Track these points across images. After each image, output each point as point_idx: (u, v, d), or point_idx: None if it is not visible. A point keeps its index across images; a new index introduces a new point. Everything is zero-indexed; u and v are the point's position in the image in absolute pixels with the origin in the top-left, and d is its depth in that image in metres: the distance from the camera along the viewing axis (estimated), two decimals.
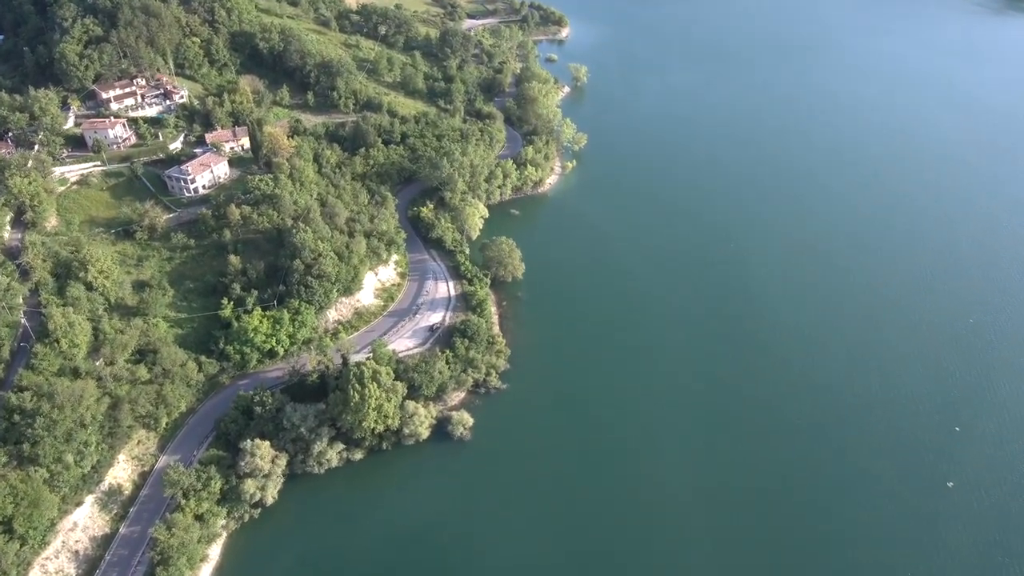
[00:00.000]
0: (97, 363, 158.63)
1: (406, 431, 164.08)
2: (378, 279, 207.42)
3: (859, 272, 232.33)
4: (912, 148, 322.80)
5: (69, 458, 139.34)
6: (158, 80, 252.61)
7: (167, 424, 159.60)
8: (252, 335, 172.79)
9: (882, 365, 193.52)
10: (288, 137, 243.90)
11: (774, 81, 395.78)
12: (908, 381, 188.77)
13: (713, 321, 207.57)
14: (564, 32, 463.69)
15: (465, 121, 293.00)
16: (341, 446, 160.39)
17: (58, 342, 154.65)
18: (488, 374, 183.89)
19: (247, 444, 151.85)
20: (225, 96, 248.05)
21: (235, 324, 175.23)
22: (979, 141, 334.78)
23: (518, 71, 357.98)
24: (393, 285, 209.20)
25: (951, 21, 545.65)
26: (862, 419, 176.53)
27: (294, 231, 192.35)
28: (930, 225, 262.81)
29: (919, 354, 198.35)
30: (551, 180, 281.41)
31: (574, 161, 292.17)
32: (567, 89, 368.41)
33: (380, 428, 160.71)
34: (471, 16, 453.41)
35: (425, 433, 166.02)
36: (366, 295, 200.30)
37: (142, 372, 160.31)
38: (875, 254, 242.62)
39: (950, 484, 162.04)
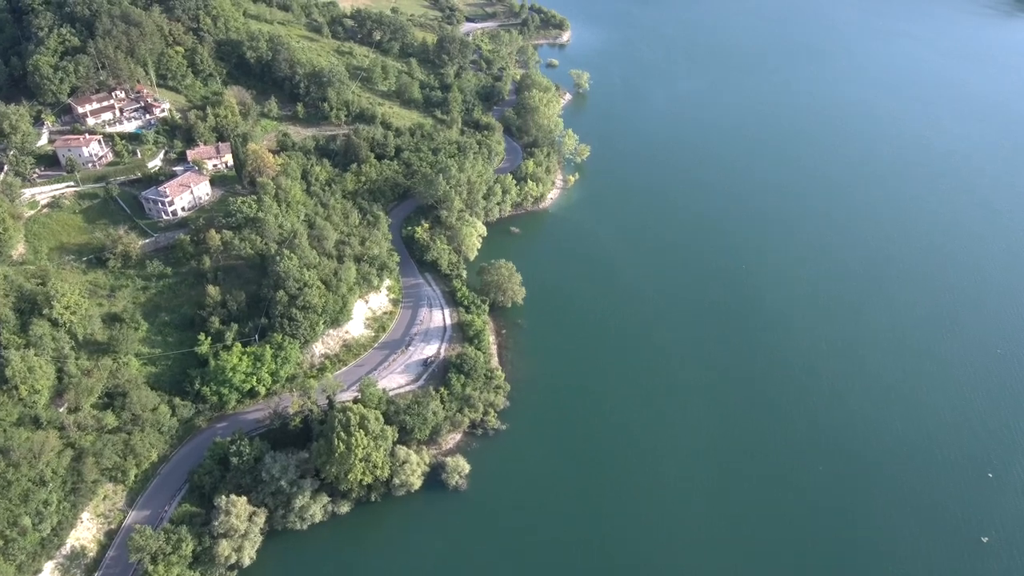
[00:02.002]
0: (60, 410, 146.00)
1: (396, 481, 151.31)
2: (369, 307, 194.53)
3: (879, 298, 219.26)
4: (929, 158, 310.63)
5: (26, 521, 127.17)
6: (138, 93, 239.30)
7: (136, 476, 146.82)
8: (230, 374, 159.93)
9: (905, 403, 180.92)
10: (275, 154, 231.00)
11: (784, 87, 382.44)
12: (934, 421, 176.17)
13: (726, 352, 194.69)
14: (565, 36, 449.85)
15: (463, 133, 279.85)
16: (326, 499, 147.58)
17: (17, 388, 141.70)
18: (486, 413, 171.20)
19: (222, 501, 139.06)
20: (209, 110, 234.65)
21: (212, 362, 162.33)
22: (996, 149, 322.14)
23: (518, 78, 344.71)
24: (385, 314, 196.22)
25: (961, 23, 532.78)
26: (884, 466, 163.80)
27: (278, 258, 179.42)
28: (951, 243, 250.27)
29: (944, 389, 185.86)
30: (553, 195, 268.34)
31: (576, 174, 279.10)
32: (568, 96, 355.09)
33: (368, 480, 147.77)
34: (470, 19, 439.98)
35: (417, 483, 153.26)
36: (356, 326, 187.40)
37: (109, 419, 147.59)
38: (896, 278, 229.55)
39: (985, 540, 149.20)
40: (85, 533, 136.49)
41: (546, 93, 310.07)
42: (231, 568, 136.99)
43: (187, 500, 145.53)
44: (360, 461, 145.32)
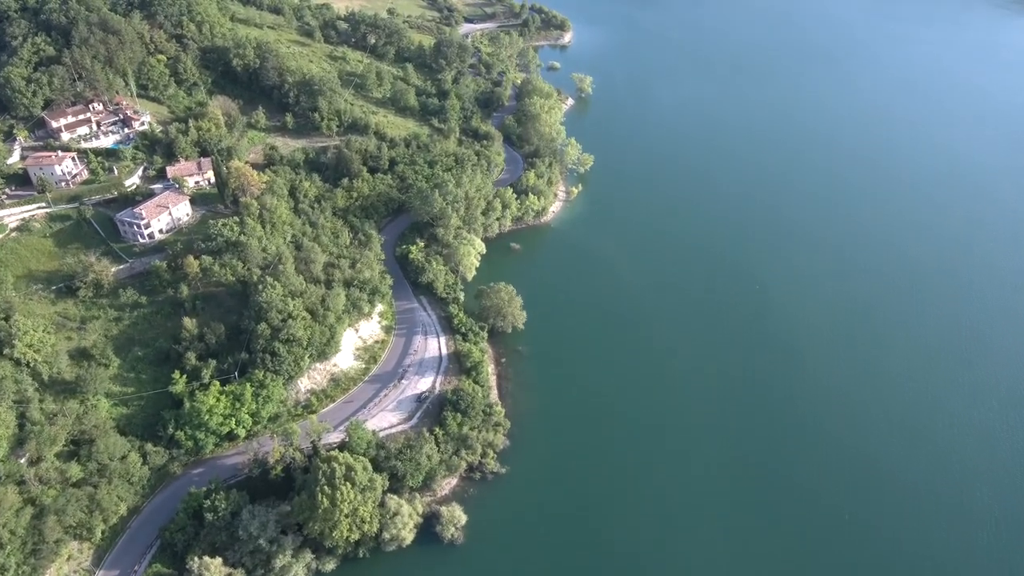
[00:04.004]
0: (21, 461, 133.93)
1: (386, 536, 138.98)
2: (359, 336, 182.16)
3: (897, 314, 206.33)
4: (945, 164, 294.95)
5: None
6: (117, 105, 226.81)
7: (104, 532, 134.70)
8: (207, 417, 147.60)
9: (932, 438, 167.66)
10: (262, 169, 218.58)
11: (795, 92, 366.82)
12: (963, 465, 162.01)
13: (741, 381, 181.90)
14: (567, 37, 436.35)
15: (460, 143, 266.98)
16: (309, 556, 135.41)
17: None
18: (484, 455, 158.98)
19: (195, 563, 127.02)
20: (191, 123, 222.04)
21: (188, 404, 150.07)
22: (1017, 153, 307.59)
23: (519, 82, 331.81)
24: (376, 343, 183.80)
25: (975, 23, 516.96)
26: (911, 510, 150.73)
27: (260, 287, 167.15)
28: (972, 251, 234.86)
29: (973, 424, 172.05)
30: (555, 208, 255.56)
31: (579, 185, 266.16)
32: (571, 101, 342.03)
33: (355, 536, 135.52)
34: (468, 20, 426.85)
35: (409, 537, 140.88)
36: (344, 357, 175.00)
37: (74, 470, 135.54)
38: (914, 288, 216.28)
39: None
40: None
41: (547, 99, 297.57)
42: None
43: (158, 559, 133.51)
44: (346, 517, 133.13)
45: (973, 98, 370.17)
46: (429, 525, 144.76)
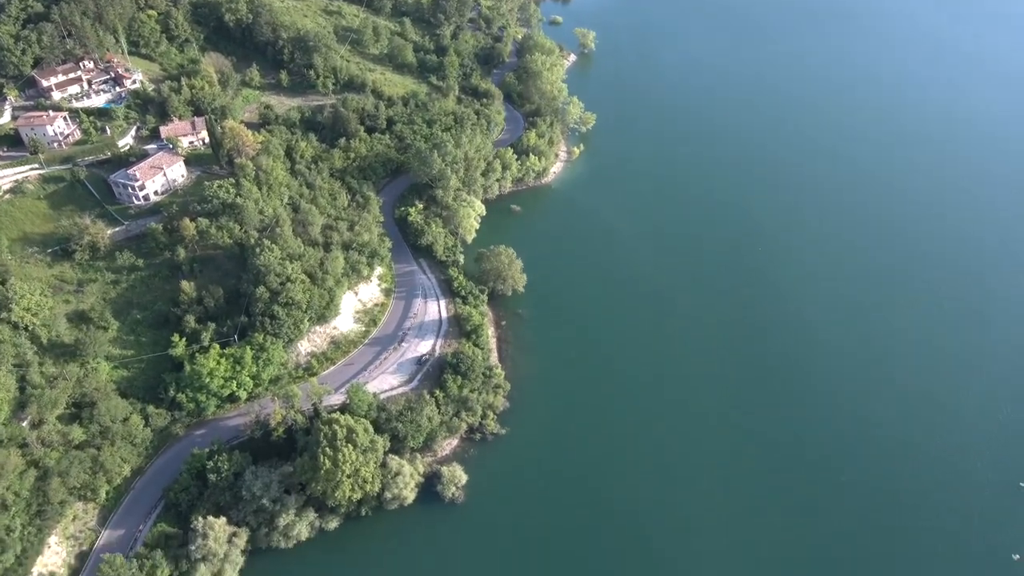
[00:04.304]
0: (23, 424, 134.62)
1: (388, 495, 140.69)
2: (358, 299, 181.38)
3: (904, 287, 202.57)
4: (962, 132, 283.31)
5: None
6: (108, 63, 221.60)
7: (108, 493, 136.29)
8: (208, 380, 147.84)
9: (932, 407, 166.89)
10: (256, 129, 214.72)
11: (805, 51, 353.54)
12: (962, 428, 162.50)
13: (742, 343, 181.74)
14: None
15: (460, 101, 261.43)
16: (312, 515, 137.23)
17: None
18: (484, 416, 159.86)
19: (199, 523, 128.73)
20: (184, 81, 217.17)
21: (188, 367, 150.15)
22: None
23: (520, 38, 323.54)
24: (376, 306, 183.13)
25: None
26: (910, 477, 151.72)
27: (258, 250, 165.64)
28: (987, 229, 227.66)
29: (975, 394, 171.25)
30: (556, 169, 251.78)
31: (581, 145, 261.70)
32: (573, 58, 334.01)
33: (357, 496, 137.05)
34: None
35: (411, 496, 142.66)
36: (344, 320, 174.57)
37: (76, 433, 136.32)
38: (923, 266, 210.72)
39: (1016, 557, 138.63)
40: (54, 558, 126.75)
41: (549, 56, 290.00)
42: None
43: (163, 519, 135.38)
44: (348, 477, 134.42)
45: (987, 60, 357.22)
46: (430, 485, 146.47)
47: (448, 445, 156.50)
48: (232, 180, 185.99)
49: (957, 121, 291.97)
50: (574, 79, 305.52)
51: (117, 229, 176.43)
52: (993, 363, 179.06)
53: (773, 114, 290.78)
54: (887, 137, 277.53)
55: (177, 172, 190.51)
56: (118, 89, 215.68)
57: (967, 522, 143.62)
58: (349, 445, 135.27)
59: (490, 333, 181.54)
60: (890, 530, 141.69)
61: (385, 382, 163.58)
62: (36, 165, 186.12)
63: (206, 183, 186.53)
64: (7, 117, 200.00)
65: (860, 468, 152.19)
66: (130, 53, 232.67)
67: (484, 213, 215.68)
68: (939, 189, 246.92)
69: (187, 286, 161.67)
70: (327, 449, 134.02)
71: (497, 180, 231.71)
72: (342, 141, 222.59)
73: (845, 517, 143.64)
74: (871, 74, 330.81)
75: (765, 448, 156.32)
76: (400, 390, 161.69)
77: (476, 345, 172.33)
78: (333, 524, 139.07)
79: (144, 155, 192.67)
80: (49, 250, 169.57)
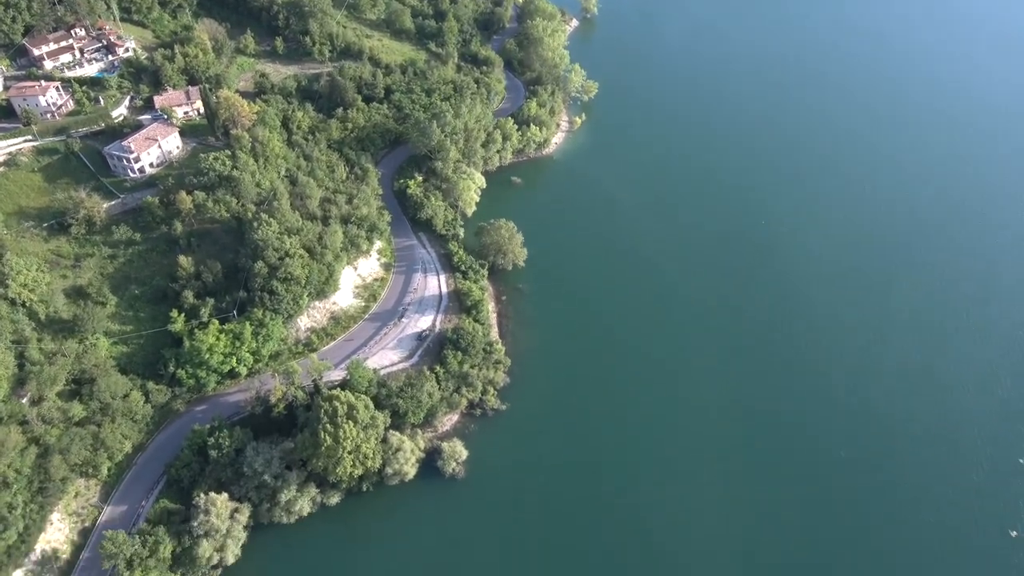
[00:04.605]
0: (23, 401, 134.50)
1: (389, 471, 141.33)
2: (358, 274, 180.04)
3: (908, 266, 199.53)
4: (975, 104, 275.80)
5: None
6: (100, 30, 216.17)
7: (110, 470, 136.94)
8: (207, 356, 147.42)
9: (932, 384, 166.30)
10: (252, 98, 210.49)
11: (814, 15, 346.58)
12: (962, 405, 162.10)
13: (744, 319, 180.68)
14: None
15: (459, 69, 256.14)
16: (314, 490, 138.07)
17: None
18: (485, 392, 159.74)
19: (200, 499, 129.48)
20: (177, 48, 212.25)
21: (187, 343, 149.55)
22: None
23: (520, 2, 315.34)
24: (376, 280, 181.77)
25: None
26: (909, 453, 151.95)
27: (255, 224, 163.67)
28: (1000, 206, 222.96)
29: (973, 369, 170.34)
30: (557, 139, 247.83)
31: (583, 115, 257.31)
32: (575, 23, 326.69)
33: (358, 472, 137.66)
34: None
35: (412, 472, 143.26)
36: (344, 296, 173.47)
37: (76, 409, 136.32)
38: (928, 244, 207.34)
39: (1014, 534, 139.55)
40: (56, 535, 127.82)
41: (551, 21, 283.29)
42: (214, 568, 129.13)
43: (165, 495, 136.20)
44: (349, 453, 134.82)
45: (998, 29, 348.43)
46: (431, 460, 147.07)
47: (449, 421, 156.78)
48: (228, 152, 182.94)
49: (970, 92, 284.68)
50: (576, 45, 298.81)
51: (113, 203, 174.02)
52: (993, 339, 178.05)
53: (780, 82, 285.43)
54: (895, 107, 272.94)
55: (172, 143, 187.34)
56: (111, 57, 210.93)
57: (966, 498, 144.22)
58: (350, 422, 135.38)
59: (490, 308, 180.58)
60: (890, 506, 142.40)
61: (385, 358, 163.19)
62: (30, 137, 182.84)
63: (201, 155, 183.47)
64: None
65: (860, 445, 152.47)
66: (122, 19, 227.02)
67: (484, 185, 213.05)
68: (945, 163, 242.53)
69: (185, 261, 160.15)
70: (328, 426, 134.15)
71: (497, 151, 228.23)
72: (339, 111, 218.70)
73: (843, 492, 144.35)
74: (881, 43, 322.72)
75: (764, 423, 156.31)
76: (400, 366, 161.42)
77: (476, 320, 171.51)
78: (334, 499, 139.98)
79: (138, 126, 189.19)
80: (45, 224, 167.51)
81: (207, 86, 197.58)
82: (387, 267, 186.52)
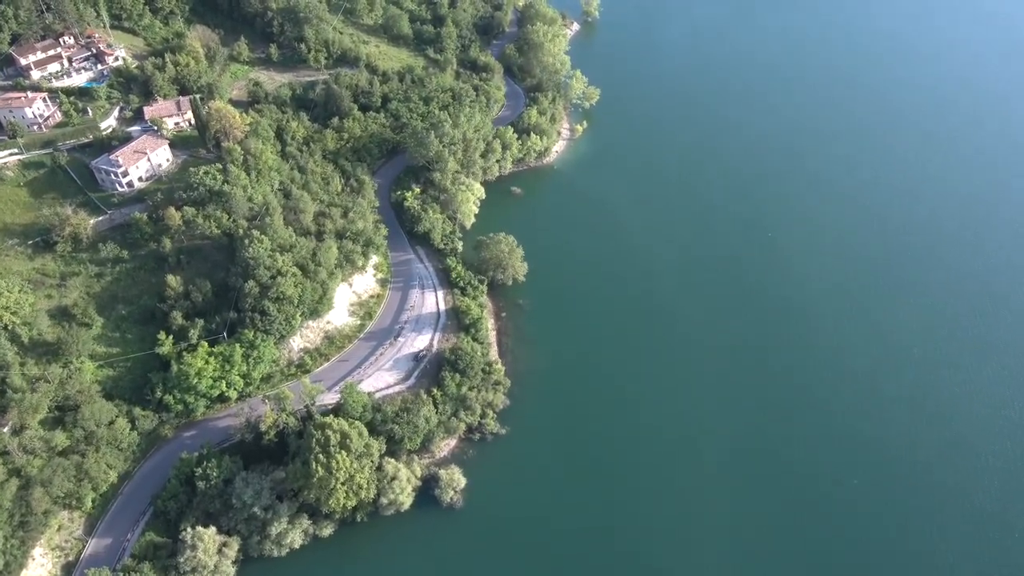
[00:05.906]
0: (3, 430, 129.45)
1: (384, 500, 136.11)
2: (353, 291, 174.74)
3: (918, 274, 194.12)
4: (978, 116, 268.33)
5: None
6: (89, 38, 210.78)
7: (94, 501, 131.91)
8: (196, 380, 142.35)
9: (942, 411, 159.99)
10: (245, 108, 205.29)
11: (822, 18, 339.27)
12: (971, 433, 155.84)
13: (752, 340, 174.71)
14: None
15: (458, 76, 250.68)
16: (306, 521, 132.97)
17: None
18: (484, 415, 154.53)
19: (187, 534, 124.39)
20: (168, 57, 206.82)
21: (175, 367, 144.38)
22: None
23: (520, 6, 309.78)
24: (372, 297, 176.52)
25: None
26: (920, 483, 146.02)
27: (246, 242, 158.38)
28: (998, 216, 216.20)
29: (984, 392, 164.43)
30: (558, 148, 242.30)
31: (584, 122, 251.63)
32: (576, 27, 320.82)
33: (351, 503, 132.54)
34: None
35: (407, 501, 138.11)
36: (338, 314, 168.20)
37: (60, 438, 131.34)
38: (939, 251, 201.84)
39: None
40: (39, 570, 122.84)
41: (551, 26, 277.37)
42: None
43: (151, 527, 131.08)
44: (342, 484, 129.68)
45: (1001, 33, 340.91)
46: (428, 488, 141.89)
47: (446, 446, 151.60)
48: (219, 165, 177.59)
49: (969, 97, 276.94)
50: (578, 50, 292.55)
51: (100, 219, 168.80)
52: (1003, 356, 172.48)
53: (785, 87, 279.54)
54: (905, 110, 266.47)
55: (162, 156, 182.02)
56: (100, 67, 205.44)
57: (974, 522, 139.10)
58: (343, 451, 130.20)
59: (489, 326, 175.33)
60: (898, 531, 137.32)
61: (381, 380, 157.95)
62: (15, 150, 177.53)
63: (191, 169, 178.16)
64: None
65: (866, 473, 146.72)
66: (112, 27, 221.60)
67: (483, 196, 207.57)
68: (957, 170, 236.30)
69: (173, 280, 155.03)
70: (320, 456, 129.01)
71: (497, 161, 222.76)
72: (335, 120, 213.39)
73: (849, 509, 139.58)
74: (892, 49, 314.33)
75: (768, 448, 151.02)
76: (396, 388, 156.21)
77: (475, 339, 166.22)
78: (327, 531, 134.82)
79: (127, 138, 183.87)
80: (30, 241, 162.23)
81: (198, 97, 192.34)
82: (383, 283, 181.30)
